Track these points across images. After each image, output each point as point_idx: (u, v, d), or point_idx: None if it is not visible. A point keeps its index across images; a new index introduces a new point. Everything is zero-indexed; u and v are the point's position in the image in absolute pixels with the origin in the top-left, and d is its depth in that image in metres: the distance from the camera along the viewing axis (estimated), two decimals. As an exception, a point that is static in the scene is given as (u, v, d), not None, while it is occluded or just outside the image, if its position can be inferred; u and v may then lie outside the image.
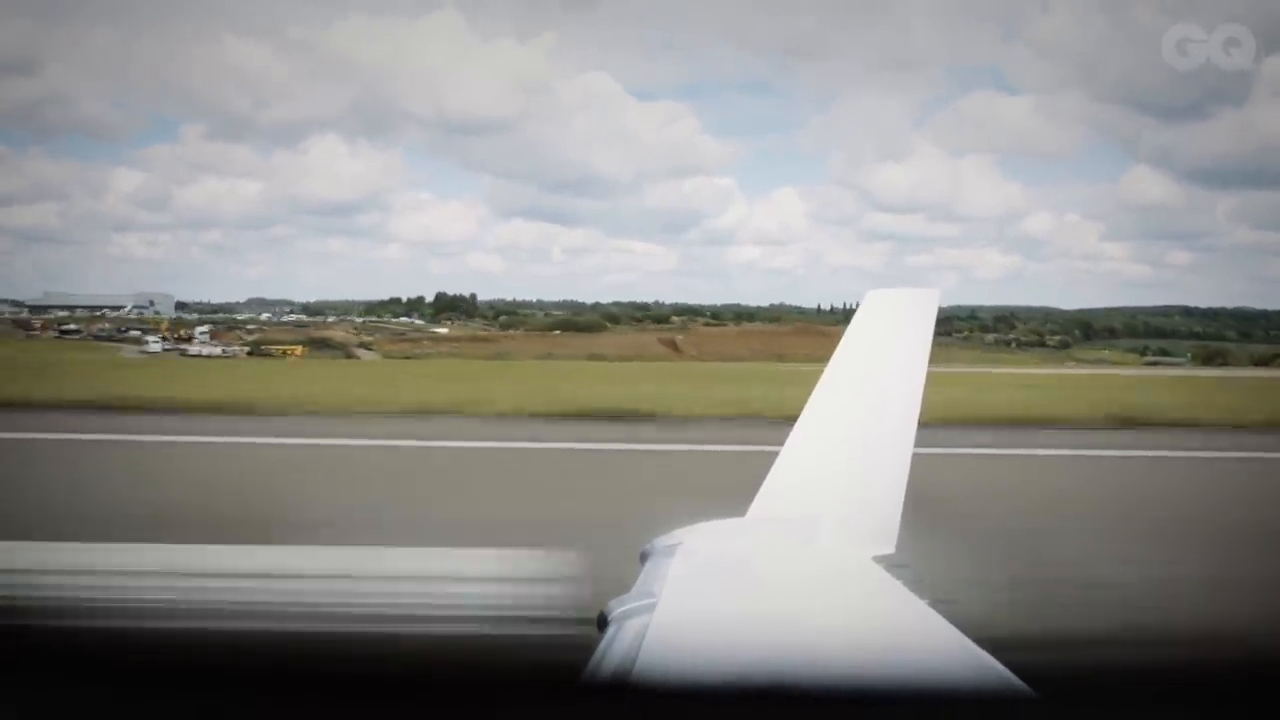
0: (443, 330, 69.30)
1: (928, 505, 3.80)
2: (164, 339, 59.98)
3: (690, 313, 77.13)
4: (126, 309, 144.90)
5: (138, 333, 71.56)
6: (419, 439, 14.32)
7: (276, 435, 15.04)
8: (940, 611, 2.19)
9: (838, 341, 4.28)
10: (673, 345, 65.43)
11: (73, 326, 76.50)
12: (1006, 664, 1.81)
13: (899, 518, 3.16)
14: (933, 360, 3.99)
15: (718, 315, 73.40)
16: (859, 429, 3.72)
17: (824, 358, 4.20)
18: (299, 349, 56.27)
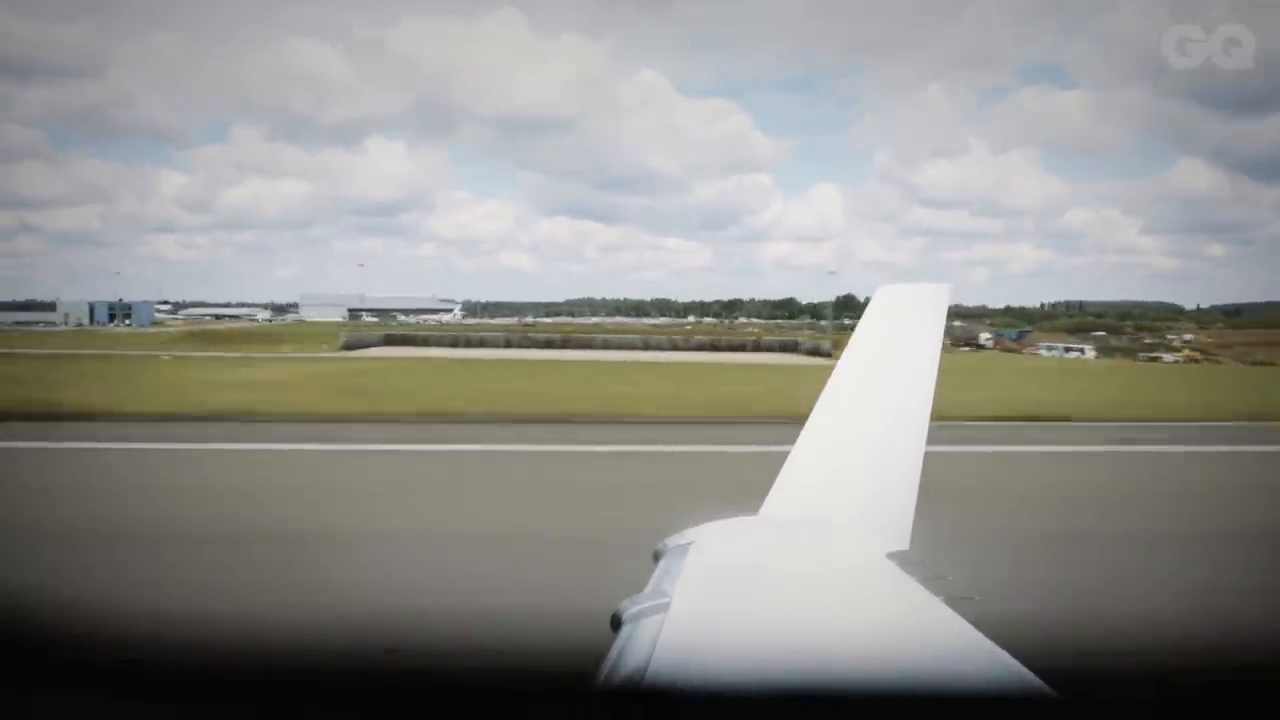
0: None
1: None
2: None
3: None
4: (453, 313, 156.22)
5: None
6: None
7: None
8: (956, 609, 2.15)
9: None
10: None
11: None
12: (1025, 661, 1.78)
13: (912, 514, 3.10)
14: None
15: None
16: (871, 426, 3.63)
17: None
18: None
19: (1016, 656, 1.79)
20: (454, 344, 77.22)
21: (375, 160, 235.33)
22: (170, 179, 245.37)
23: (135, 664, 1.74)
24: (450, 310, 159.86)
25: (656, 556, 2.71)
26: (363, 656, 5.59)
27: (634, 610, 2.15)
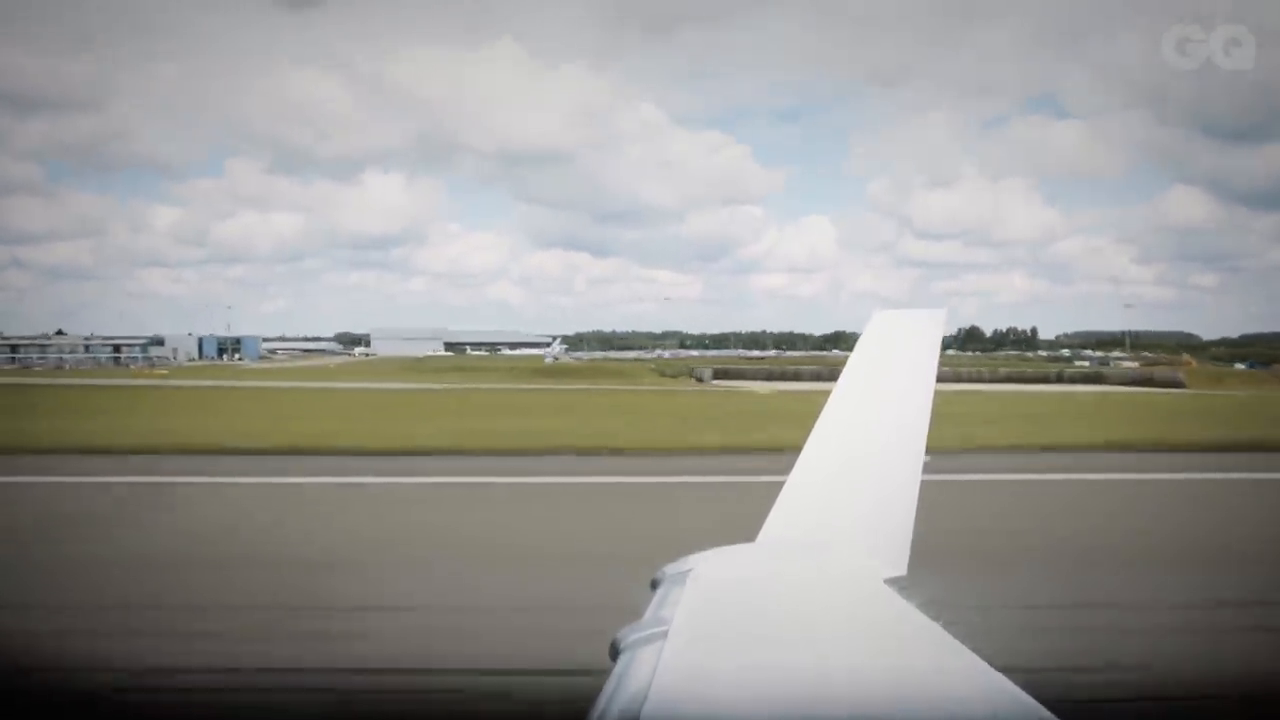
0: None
1: None
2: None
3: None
4: (552, 346, 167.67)
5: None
6: None
7: None
8: (954, 634, 2.16)
9: None
10: None
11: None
12: (1025, 687, 1.78)
13: (910, 538, 3.13)
14: None
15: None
16: (868, 450, 3.69)
17: None
18: None
19: (1018, 683, 1.80)
20: (769, 377, 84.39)
21: (370, 193, 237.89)
22: (164, 213, 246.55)
23: None
24: (550, 344, 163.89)
25: (654, 585, 2.75)
26: (349, 688, 6.38)
27: (632, 639, 2.19)
